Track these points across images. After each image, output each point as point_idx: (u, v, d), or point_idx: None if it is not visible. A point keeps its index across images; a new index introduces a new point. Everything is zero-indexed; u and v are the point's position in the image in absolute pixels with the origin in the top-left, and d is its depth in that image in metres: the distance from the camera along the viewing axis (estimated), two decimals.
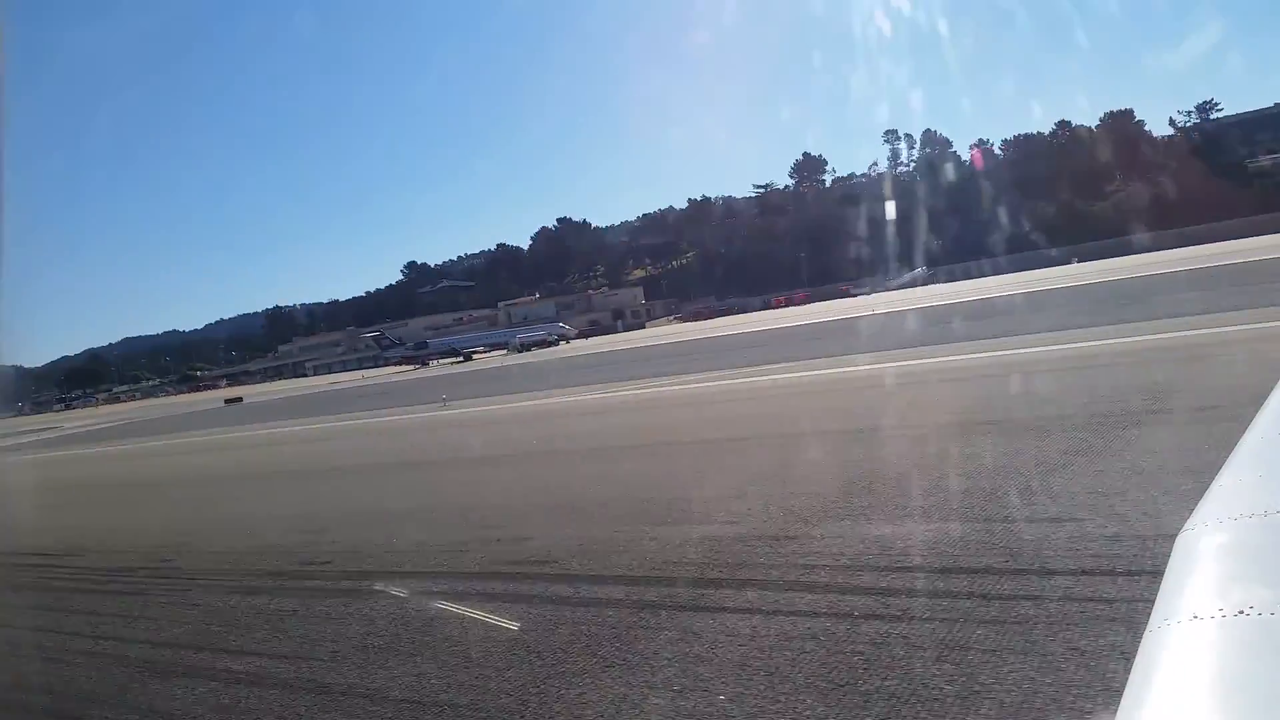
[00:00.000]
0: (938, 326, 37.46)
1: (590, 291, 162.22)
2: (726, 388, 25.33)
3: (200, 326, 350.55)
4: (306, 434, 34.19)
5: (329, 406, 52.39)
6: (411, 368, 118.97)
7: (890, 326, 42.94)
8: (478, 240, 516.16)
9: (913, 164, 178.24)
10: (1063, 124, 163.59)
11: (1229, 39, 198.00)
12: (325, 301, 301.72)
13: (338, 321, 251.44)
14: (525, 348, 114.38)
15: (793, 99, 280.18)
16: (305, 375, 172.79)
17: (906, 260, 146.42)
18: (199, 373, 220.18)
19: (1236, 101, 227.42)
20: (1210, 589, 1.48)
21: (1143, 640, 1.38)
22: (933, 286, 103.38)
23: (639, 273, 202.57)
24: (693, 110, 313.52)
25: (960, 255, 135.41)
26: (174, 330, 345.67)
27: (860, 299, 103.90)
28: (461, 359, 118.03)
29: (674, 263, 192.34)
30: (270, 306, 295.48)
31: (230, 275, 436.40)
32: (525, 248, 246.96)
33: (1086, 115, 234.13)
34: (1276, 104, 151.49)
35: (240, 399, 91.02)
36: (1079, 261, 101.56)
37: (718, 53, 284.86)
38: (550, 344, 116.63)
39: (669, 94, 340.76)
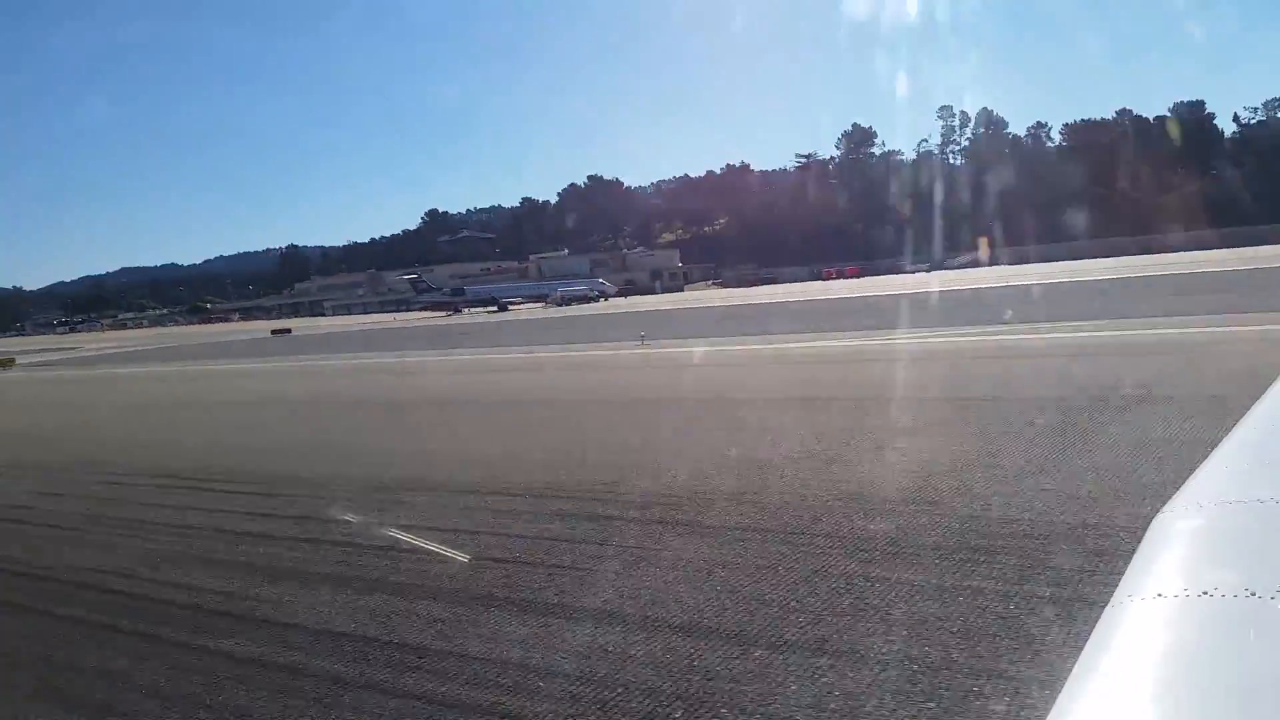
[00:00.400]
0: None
1: (624, 250, 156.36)
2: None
3: (199, 262, 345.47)
4: (461, 365, 31.89)
5: (413, 342, 48.13)
6: (444, 313, 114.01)
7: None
8: (502, 194, 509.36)
9: (967, 142, 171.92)
10: (1124, 111, 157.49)
11: None
12: (341, 245, 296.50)
13: (355, 264, 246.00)
14: (566, 302, 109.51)
15: (843, 69, 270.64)
16: (324, 314, 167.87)
17: (954, 240, 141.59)
18: (209, 304, 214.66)
19: None
20: (1178, 569, 1.51)
21: (1103, 614, 1.40)
22: (998, 268, 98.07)
23: (669, 236, 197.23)
24: (735, 75, 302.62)
25: (1015, 239, 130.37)
26: (173, 263, 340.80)
27: (917, 276, 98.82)
28: (497, 309, 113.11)
29: (707, 228, 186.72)
30: (285, 245, 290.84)
31: (233, 213, 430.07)
32: (551, 203, 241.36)
33: (1154, 105, 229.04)
34: None
35: (289, 330, 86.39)
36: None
37: (767, 16, 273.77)
38: (591, 299, 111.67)
39: (713, 57, 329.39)
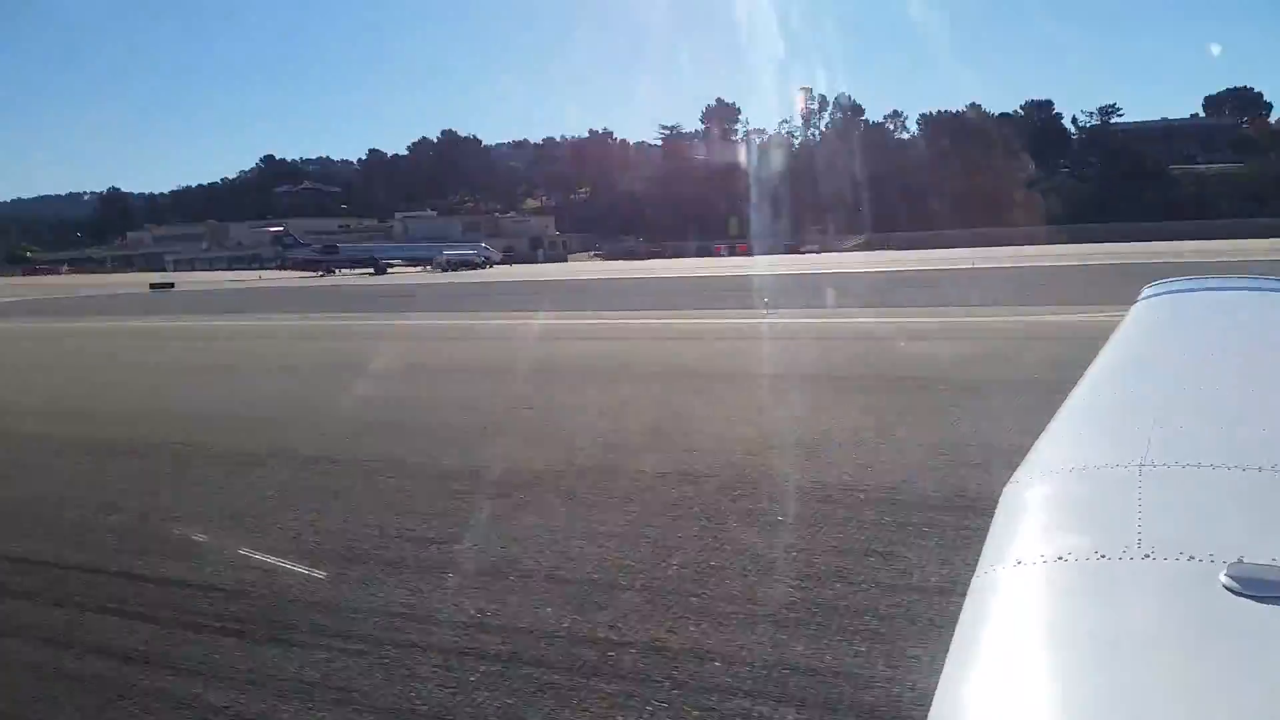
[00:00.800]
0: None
1: (496, 214, 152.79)
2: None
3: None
4: (467, 329, 30.74)
5: (327, 303, 45.73)
6: (315, 273, 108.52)
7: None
8: (345, 144, 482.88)
9: (826, 126, 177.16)
10: (974, 106, 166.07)
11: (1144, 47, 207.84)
12: (167, 191, 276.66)
13: (185, 213, 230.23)
14: (452, 266, 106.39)
15: (707, 42, 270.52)
16: (164, 269, 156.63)
17: (812, 223, 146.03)
18: (28, 254, 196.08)
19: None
20: (1034, 536, 1.59)
21: (971, 585, 1.48)
22: (887, 253, 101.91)
23: (534, 202, 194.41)
24: (599, 37, 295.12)
25: (860, 227, 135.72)
26: None
27: (814, 256, 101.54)
28: (375, 271, 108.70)
29: (572, 196, 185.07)
30: (107, 188, 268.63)
31: (31, 151, 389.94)
32: (401, 156, 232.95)
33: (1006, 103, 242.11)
34: (1190, 116, 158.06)
35: (172, 285, 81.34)
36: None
37: None
38: (478, 265, 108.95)
39: (577, 15, 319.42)
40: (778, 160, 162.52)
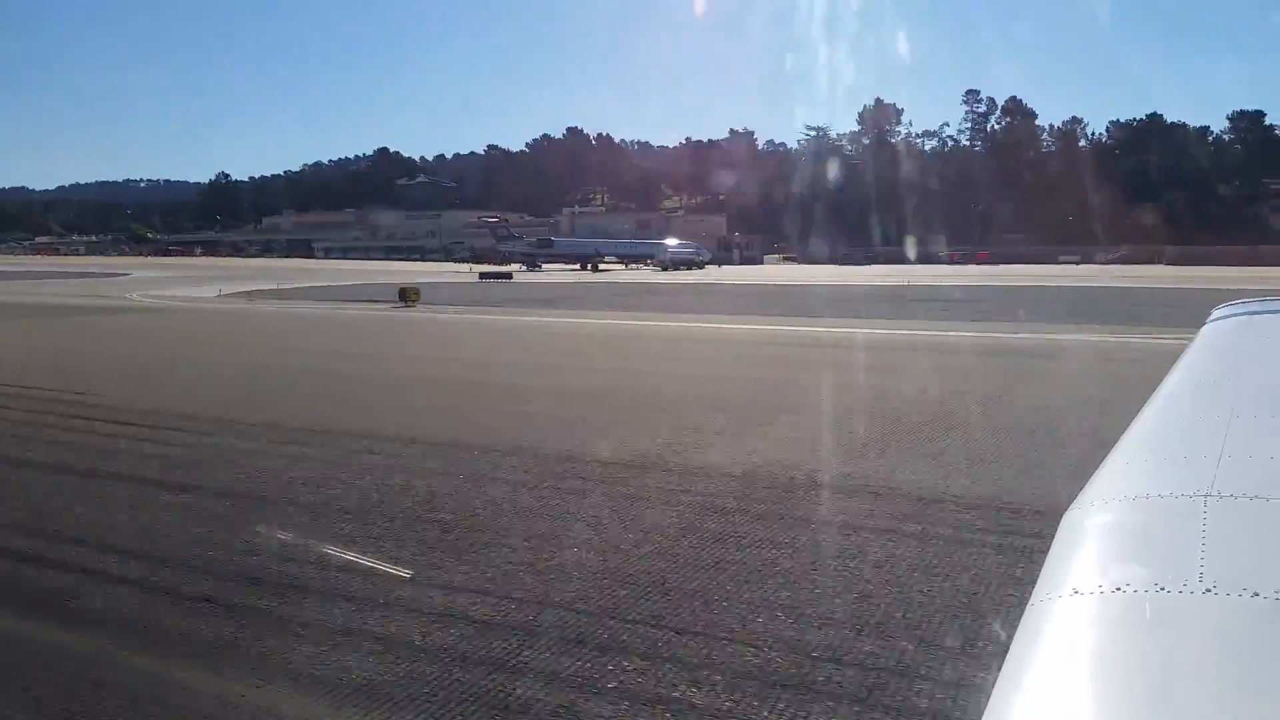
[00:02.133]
0: None
1: (665, 212, 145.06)
2: None
3: (52, 188, 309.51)
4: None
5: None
6: (520, 267, 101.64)
7: None
8: (459, 140, 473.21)
9: (993, 129, 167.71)
10: (1156, 116, 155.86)
11: None
12: (274, 175, 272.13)
13: (298, 199, 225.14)
14: (675, 265, 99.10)
15: (853, 40, 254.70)
16: (314, 255, 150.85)
17: (990, 230, 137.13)
18: (148, 234, 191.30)
19: None
20: (1091, 566, 1.56)
21: (1025, 614, 1.46)
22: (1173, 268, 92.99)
23: (673, 200, 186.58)
24: (733, 36, 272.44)
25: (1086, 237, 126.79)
26: (23, 187, 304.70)
27: (1080, 268, 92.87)
28: (589, 268, 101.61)
29: (720, 196, 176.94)
30: (217, 174, 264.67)
31: (82, 137, 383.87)
32: (522, 152, 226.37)
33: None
34: None
35: (509, 276, 75.34)
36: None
37: None
38: (698, 265, 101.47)
39: (710, 17, 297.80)
40: (955, 165, 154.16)
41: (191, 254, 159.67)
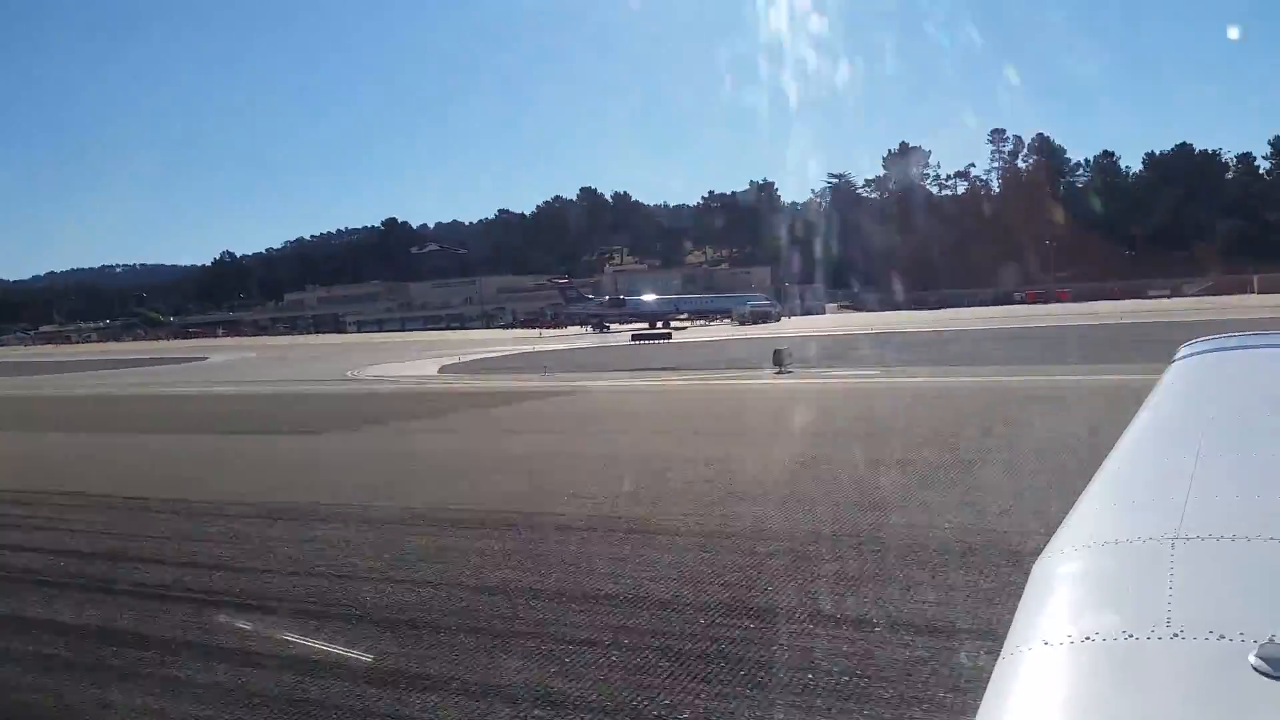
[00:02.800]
0: None
1: (706, 266, 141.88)
2: None
3: (26, 278, 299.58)
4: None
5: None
6: (586, 329, 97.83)
7: None
8: (462, 207, 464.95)
9: (1024, 166, 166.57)
10: (1183, 146, 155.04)
11: None
12: (279, 246, 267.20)
13: (309, 274, 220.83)
14: (755, 320, 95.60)
15: (867, 82, 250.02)
16: (346, 330, 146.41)
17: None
18: (163, 318, 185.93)
19: None
20: (1061, 616, 1.57)
21: (996, 666, 1.46)
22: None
23: (696, 256, 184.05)
24: (744, 88, 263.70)
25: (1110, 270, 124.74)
26: None
27: (1180, 301, 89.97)
28: (661, 325, 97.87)
29: (748, 248, 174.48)
30: (221, 252, 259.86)
31: (54, 225, 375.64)
32: (532, 214, 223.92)
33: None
34: None
35: (669, 335, 71.32)
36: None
37: (787, 24, 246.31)
38: (774, 319, 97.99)
39: (712, 72, 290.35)
40: (991, 202, 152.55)
41: (214, 335, 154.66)
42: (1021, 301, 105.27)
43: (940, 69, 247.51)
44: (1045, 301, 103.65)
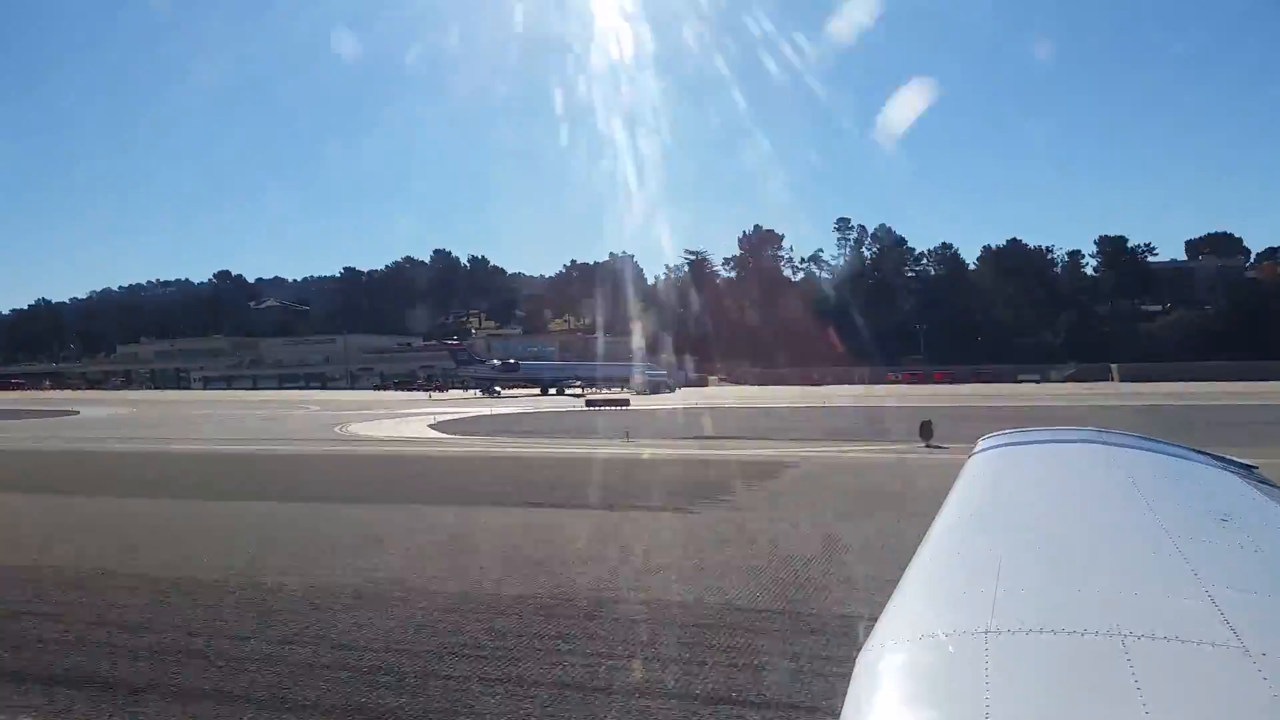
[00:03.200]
0: None
1: (580, 333, 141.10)
2: None
3: None
4: None
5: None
6: (479, 394, 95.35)
7: None
8: (308, 262, 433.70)
9: (869, 255, 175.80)
10: (1016, 241, 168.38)
11: None
12: (87, 296, 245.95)
13: (130, 326, 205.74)
14: (653, 389, 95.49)
15: (726, 167, 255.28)
16: (189, 386, 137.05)
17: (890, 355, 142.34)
18: None
19: None
20: (888, 712, 1.61)
21: None
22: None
23: (559, 324, 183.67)
24: (592, 165, 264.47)
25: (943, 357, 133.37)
26: None
27: (1054, 387, 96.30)
28: (543, 392, 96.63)
29: (606, 318, 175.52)
30: (35, 300, 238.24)
31: None
32: (380, 272, 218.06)
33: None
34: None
35: (626, 402, 65.51)
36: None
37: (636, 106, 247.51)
38: (670, 388, 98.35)
39: (572, 145, 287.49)
40: (843, 288, 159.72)
41: (40, 388, 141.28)
42: (898, 381, 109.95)
43: (795, 158, 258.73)
44: (923, 381, 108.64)
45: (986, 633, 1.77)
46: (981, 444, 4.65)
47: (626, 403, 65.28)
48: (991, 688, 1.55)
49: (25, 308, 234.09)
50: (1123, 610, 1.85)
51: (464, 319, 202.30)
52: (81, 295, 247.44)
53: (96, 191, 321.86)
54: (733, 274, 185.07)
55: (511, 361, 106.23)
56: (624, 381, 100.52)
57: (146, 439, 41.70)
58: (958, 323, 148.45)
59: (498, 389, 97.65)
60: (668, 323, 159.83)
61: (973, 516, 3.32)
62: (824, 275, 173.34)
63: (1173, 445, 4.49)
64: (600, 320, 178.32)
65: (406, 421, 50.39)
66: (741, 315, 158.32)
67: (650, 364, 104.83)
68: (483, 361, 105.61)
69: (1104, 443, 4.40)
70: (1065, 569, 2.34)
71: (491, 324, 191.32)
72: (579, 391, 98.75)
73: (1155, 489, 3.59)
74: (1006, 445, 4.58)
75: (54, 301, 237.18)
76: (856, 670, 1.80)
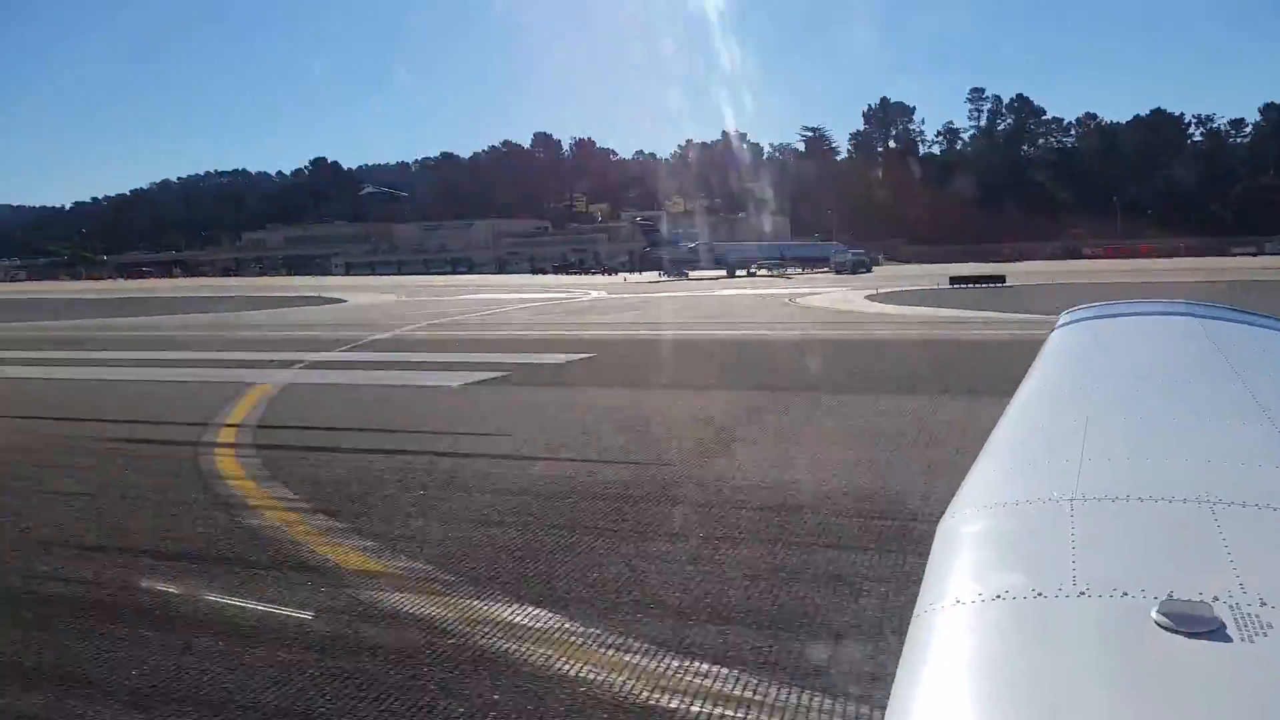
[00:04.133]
0: None
1: (730, 214, 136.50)
2: None
3: None
4: None
5: None
6: (664, 276, 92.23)
7: None
8: (398, 148, 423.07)
9: (1002, 129, 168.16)
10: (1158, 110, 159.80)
11: None
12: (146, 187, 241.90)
13: (225, 214, 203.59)
14: (850, 269, 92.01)
15: (844, 38, 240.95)
16: (330, 273, 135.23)
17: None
18: (89, 257, 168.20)
19: None
20: (970, 575, 1.62)
21: (911, 625, 1.51)
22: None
23: (677, 204, 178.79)
24: (711, 37, 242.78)
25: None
26: None
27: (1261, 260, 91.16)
28: (730, 274, 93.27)
29: (715, 199, 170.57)
30: (132, 189, 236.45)
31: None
32: (478, 158, 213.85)
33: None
34: None
35: (1002, 278, 57.06)
36: None
37: None
38: (867, 267, 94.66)
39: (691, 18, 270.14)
40: (982, 161, 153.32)
41: (170, 276, 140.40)
42: (1093, 256, 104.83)
43: (917, 25, 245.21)
44: (1129, 255, 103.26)
45: (1072, 499, 1.76)
46: (1064, 317, 4.57)
47: (1001, 279, 56.88)
48: (1077, 553, 1.56)
49: (95, 199, 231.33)
50: (1212, 479, 1.84)
51: (570, 202, 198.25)
52: (145, 185, 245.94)
53: (167, 75, 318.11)
54: (853, 151, 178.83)
55: (707, 243, 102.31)
56: (817, 262, 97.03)
57: (614, 324, 35.52)
58: (1107, 196, 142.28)
59: (686, 271, 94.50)
60: (798, 202, 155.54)
61: (1056, 388, 3.28)
62: (959, 149, 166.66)
63: (1266, 317, 4.36)
64: (714, 203, 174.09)
65: (820, 295, 47.32)
66: (870, 192, 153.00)
67: (855, 248, 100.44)
68: (675, 243, 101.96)
69: (1194, 315, 4.32)
70: (1152, 439, 2.34)
71: (603, 206, 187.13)
72: (766, 273, 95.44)
73: (1247, 361, 3.54)
74: (1091, 318, 4.52)
75: (139, 189, 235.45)
76: (937, 536, 1.79)
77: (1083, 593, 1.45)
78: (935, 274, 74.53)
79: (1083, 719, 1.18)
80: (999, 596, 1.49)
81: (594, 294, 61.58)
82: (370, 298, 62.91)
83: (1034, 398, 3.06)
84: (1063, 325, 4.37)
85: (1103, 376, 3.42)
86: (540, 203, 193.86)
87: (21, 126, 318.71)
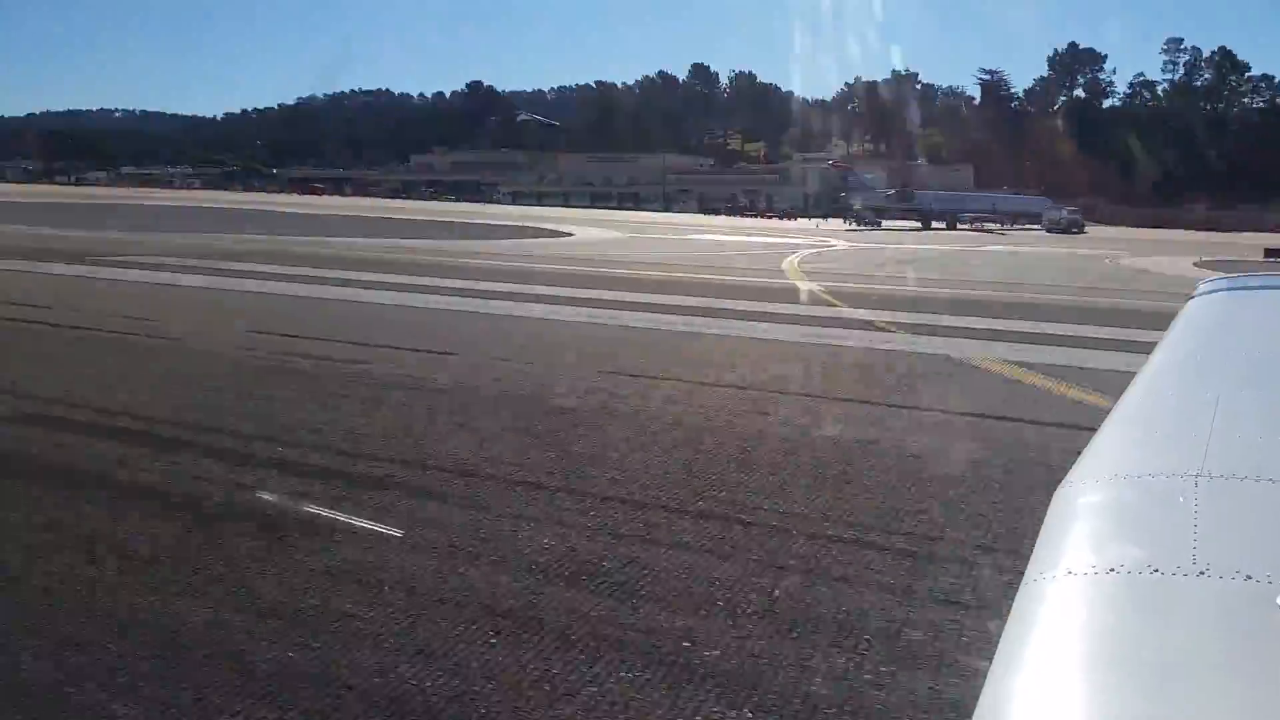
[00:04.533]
0: None
1: (908, 161, 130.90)
2: None
3: (21, 115, 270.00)
4: None
5: None
6: (857, 225, 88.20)
7: None
8: (552, 74, 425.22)
9: (1201, 82, 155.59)
10: None
11: None
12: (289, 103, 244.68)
13: (381, 135, 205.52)
14: (1064, 229, 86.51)
15: None
16: (496, 201, 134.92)
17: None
18: (261, 168, 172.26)
19: None
20: (1084, 546, 1.58)
21: (1019, 592, 1.48)
22: None
23: (839, 145, 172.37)
24: None
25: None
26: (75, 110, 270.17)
27: None
28: (925, 226, 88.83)
29: (882, 144, 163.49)
30: (296, 100, 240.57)
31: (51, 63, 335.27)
32: (631, 88, 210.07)
33: None
34: None
35: None
36: None
37: None
38: (1079, 228, 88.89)
39: None
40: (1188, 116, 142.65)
41: (343, 194, 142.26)
42: None
43: None
44: None
45: (1196, 476, 1.70)
46: (1201, 287, 4.31)
47: None
48: (1200, 531, 1.50)
49: (245, 111, 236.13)
50: None
51: (724, 139, 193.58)
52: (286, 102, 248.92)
53: None
54: (1032, 98, 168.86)
55: (908, 190, 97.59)
56: (1028, 218, 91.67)
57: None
58: None
59: (878, 221, 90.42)
60: (973, 151, 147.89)
61: (1187, 361, 3.14)
62: (1156, 102, 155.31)
63: None
64: (871, 147, 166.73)
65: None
66: (1055, 146, 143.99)
67: (1064, 205, 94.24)
68: (873, 189, 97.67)
69: None
70: None
71: (759, 145, 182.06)
72: (965, 227, 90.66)
73: None
74: (1229, 290, 4.26)
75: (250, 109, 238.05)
76: (1053, 504, 1.74)
77: (1203, 572, 1.38)
78: (1180, 241, 68.79)
79: (1196, 701, 1.13)
80: (1113, 570, 1.43)
81: (838, 244, 58.28)
82: (600, 233, 61.15)
83: (1164, 370, 2.94)
84: (1199, 295, 4.12)
85: (1238, 351, 3.26)
86: (689, 139, 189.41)
87: (176, 37, 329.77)
